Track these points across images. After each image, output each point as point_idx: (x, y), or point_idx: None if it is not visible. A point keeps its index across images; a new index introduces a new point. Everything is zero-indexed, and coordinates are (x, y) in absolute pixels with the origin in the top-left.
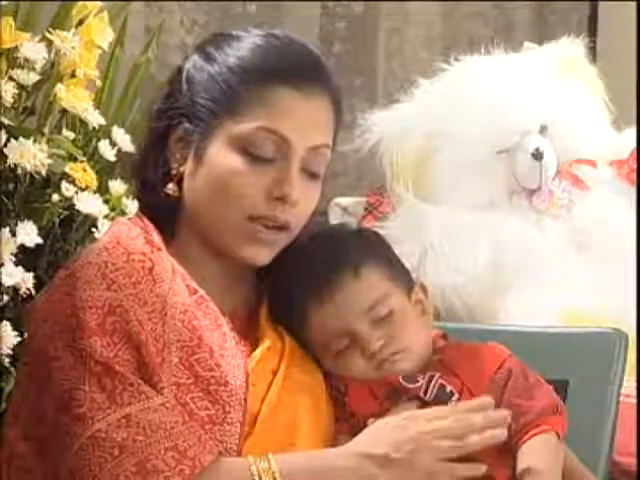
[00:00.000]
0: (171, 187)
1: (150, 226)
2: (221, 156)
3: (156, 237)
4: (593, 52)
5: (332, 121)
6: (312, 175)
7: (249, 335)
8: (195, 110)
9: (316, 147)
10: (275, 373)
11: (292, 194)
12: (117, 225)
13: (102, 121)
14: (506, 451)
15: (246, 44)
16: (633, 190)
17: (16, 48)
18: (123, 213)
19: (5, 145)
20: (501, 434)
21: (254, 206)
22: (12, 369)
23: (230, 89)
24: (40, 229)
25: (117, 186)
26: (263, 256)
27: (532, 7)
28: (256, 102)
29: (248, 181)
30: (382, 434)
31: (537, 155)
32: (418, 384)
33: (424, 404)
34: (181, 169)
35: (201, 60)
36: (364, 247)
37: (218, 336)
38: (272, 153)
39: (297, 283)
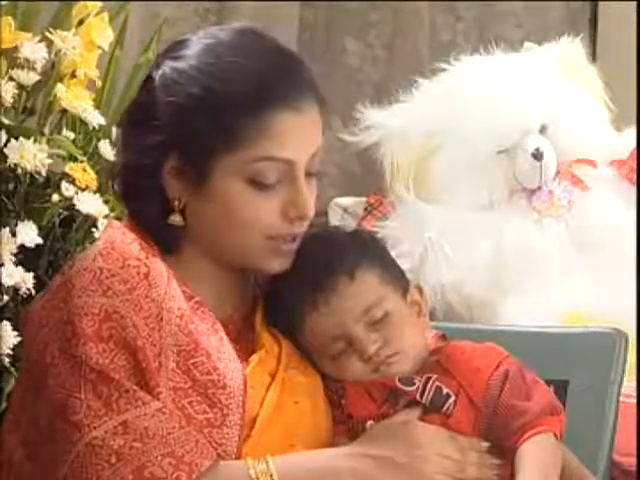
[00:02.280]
0: (175, 219)
1: (143, 231)
2: (227, 188)
3: (151, 243)
4: (593, 52)
5: (321, 122)
6: (310, 175)
7: (246, 339)
8: (188, 142)
9: (314, 154)
10: (273, 376)
11: (309, 212)
12: (111, 230)
13: (102, 121)
14: (504, 452)
15: (224, 61)
16: (633, 190)
17: (16, 48)
18: (123, 213)
19: (5, 145)
20: (493, 478)
21: (271, 228)
22: (12, 369)
23: (225, 120)
24: (40, 229)
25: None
26: (283, 265)
27: (562, 8)
28: (255, 131)
29: (261, 208)
30: (387, 437)
31: (537, 155)
32: (414, 386)
33: (424, 409)
34: (182, 200)
35: (179, 83)
36: (359, 250)
37: (215, 340)
38: (277, 177)
39: (293, 287)
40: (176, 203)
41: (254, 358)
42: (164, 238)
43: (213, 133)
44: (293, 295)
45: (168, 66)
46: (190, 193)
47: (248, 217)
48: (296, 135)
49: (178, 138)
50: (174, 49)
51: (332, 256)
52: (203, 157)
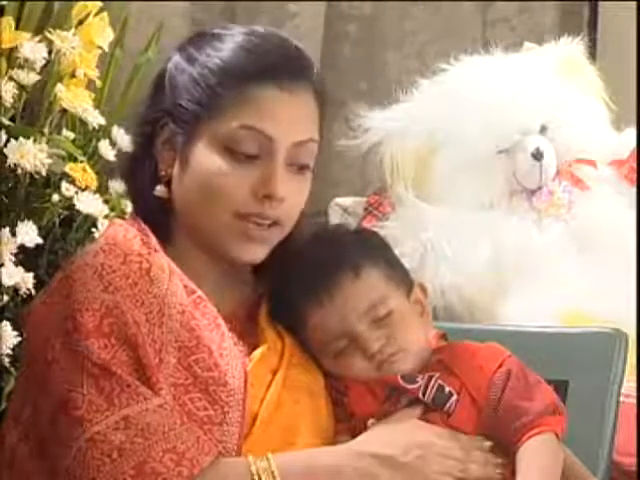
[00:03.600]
0: (160, 189)
1: (146, 228)
2: (205, 156)
3: (153, 238)
4: (593, 52)
5: (317, 115)
6: (300, 168)
7: (248, 336)
8: (179, 112)
9: (301, 142)
10: (275, 373)
11: (277, 191)
12: (113, 227)
13: (102, 121)
14: (505, 451)
15: (227, 44)
16: (633, 190)
17: (16, 48)
18: (123, 213)
19: (5, 145)
20: (497, 477)
21: (241, 204)
22: (12, 369)
23: (211, 90)
24: (40, 229)
25: (117, 186)
26: (254, 253)
27: (557, 9)
28: (237, 102)
29: (233, 180)
30: (390, 436)
31: (537, 155)
32: (417, 384)
33: (426, 408)
34: (169, 171)
35: (183, 62)
36: (363, 248)
37: (217, 336)
38: (255, 150)
39: (297, 284)
40: (162, 173)
41: (256, 354)
42: (156, 217)
43: (201, 100)
44: (297, 292)
45: (186, 50)
46: (176, 165)
47: (218, 188)
48: (280, 113)
49: (171, 107)
50: (186, 43)
51: (337, 253)
52: (190, 124)
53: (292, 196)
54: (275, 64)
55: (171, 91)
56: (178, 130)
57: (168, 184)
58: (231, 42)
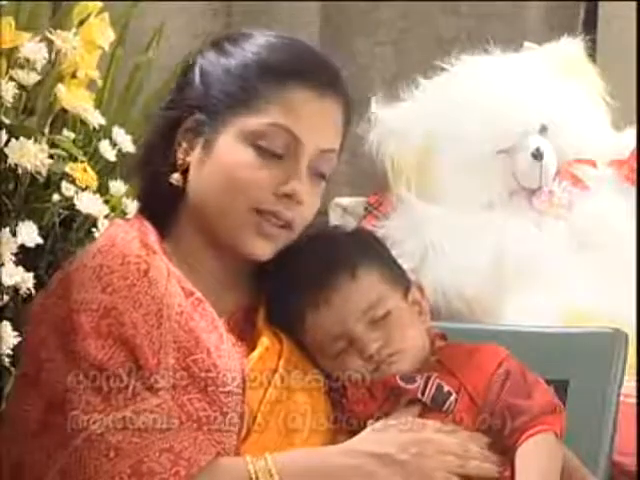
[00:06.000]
0: (176, 177)
1: (148, 227)
2: (231, 148)
3: (152, 239)
4: (593, 52)
5: (342, 128)
6: (318, 177)
7: (247, 336)
8: (209, 103)
9: (325, 150)
10: (273, 374)
11: (300, 192)
12: (113, 227)
13: (102, 121)
14: (504, 451)
15: (263, 41)
16: (633, 190)
17: (16, 48)
18: (123, 213)
19: (5, 145)
20: (495, 472)
21: (261, 200)
22: (12, 369)
23: (247, 84)
24: (40, 229)
25: (117, 186)
26: (265, 250)
27: (540, 8)
28: (272, 99)
29: (257, 175)
30: (386, 434)
31: (537, 155)
32: (416, 384)
33: (424, 408)
34: (187, 159)
35: (216, 54)
36: (360, 248)
37: (215, 337)
38: (282, 149)
39: (294, 285)
40: (180, 162)
41: (254, 355)
42: (164, 205)
43: (234, 92)
44: (294, 293)
45: (220, 45)
46: (197, 154)
47: (240, 181)
48: (310, 116)
49: (200, 97)
50: (219, 38)
51: (333, 255)
52: (219, 114)
53: (309, 201)
54: (312, 68)
55: (202, 82)
56: (205, 119)
57: (184, 173)
58: (267, 41)
